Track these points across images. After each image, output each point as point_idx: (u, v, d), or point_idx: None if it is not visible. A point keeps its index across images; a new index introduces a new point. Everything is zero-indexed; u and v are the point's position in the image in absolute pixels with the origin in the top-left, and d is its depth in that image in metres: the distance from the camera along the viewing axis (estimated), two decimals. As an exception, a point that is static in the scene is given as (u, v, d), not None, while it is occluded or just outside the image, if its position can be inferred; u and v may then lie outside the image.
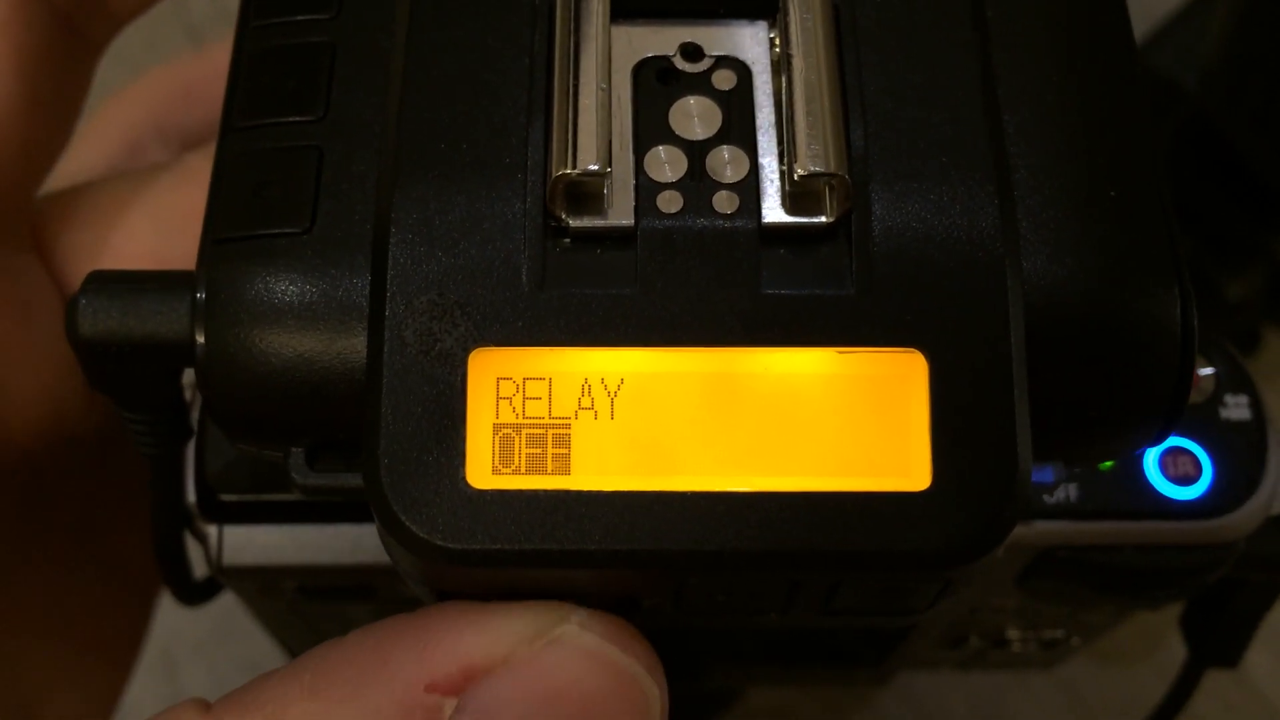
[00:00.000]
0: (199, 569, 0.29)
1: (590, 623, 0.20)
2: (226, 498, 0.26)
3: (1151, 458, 0.27)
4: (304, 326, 0.19)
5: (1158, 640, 0.47)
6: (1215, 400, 0.27)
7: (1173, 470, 0.27)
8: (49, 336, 0.27)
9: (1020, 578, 0.29)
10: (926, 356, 0.19)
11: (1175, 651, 0.47)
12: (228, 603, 0.35)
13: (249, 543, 0.27)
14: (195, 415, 0.26)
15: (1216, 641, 0.33)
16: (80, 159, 0.27)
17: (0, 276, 0.26)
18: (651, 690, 0.20)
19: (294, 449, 0.20)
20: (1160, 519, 0.27)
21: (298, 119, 0.20)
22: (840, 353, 0.19)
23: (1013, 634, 0.34)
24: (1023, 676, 0.47)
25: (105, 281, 0.20)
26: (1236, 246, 0.49)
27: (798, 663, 0.37)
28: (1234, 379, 0.28)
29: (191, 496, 0.26)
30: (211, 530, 0.26)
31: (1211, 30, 0.47)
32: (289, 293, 0.19)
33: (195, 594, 0.29)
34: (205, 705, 0.20)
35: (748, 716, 0.45)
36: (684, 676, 0.38)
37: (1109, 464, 0.27)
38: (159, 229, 0.27)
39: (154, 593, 0.34)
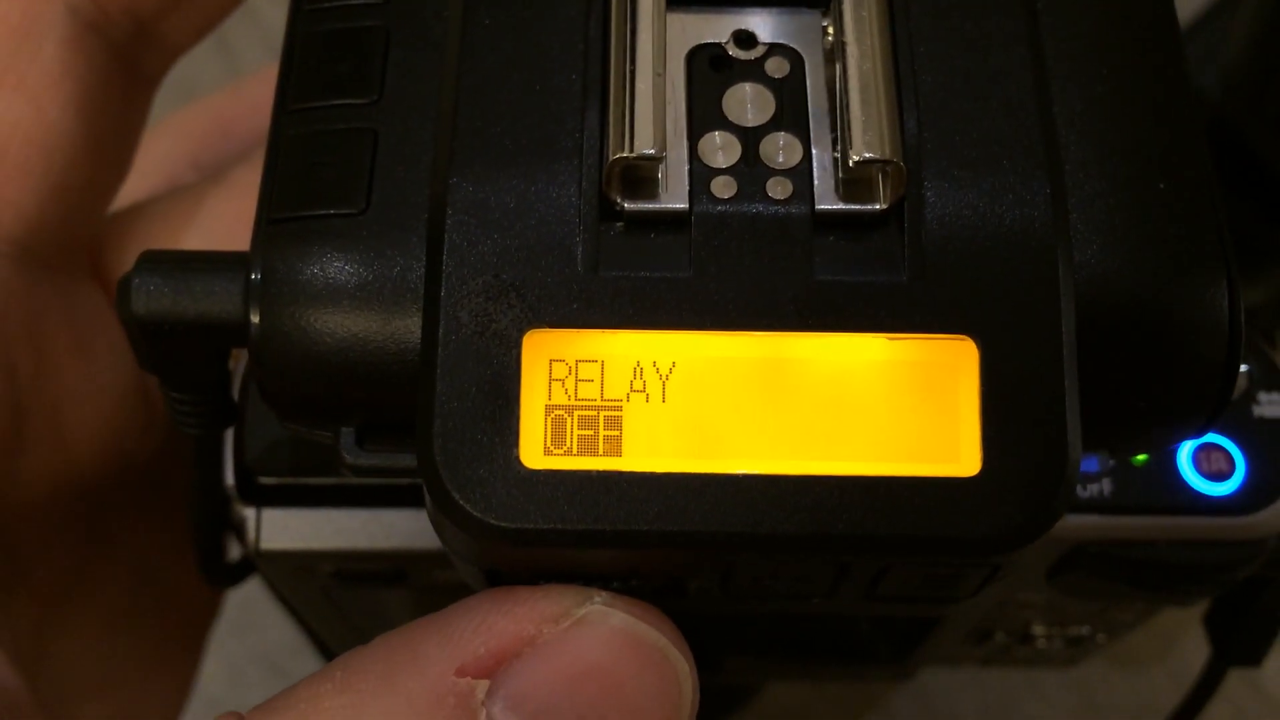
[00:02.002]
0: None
1: (615, 601, 0.20)
2: (265, 481, 0.26)
3: (1185, 454, 0.27)
4: (359, 307, 0.19)
5: (1171, 641, 0.47)
6: (1249, 397, 0.28)
7: (1206, 466, 0.27)
8: (109, 366, 0.27)
9: (1050, 573, 0.29)
10: (978, 343, 0.19)
11: (1189, 653, 0.47)
12: (242, 594, 0.35)
13: (286, 526, 0.27)
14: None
15: (1240, 640, 0.33)
16: (122, 189, 0.28)
17: (63, 308, 0.26)
18: (681, 665, 0.20)
19: (344, 429, 0.20)
20: (1193, 515, 0.27)
21: (352, 101, 0.20)
22: (892, 339, 0.19)
23: (1038, 630, 0.34)
24: (1035, 677, 0.47)
25: (158, 261, 0.20)
26: (1255, 250, 0.49)
27: (820, 658, 0.37)
28: (1268, 376, 0.28)
29: (230, 479, 0.26)
30: (250, 513, 0.27)
31: (1233, 34, 0.47)
32: (344, 273, 0.19)
33: (227, 577, 0.29)
34: (240, 716, 0.20)
35: (762, 716, 0.45)
36: (703, 670, 0.38)
37: (1143, 458, 0.27)
38: (210, 240, 0.27)
39: (207, 628, 0.34)
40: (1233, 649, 0.33)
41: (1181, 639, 0.47)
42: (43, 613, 0.28)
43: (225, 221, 0.28)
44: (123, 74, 0.26)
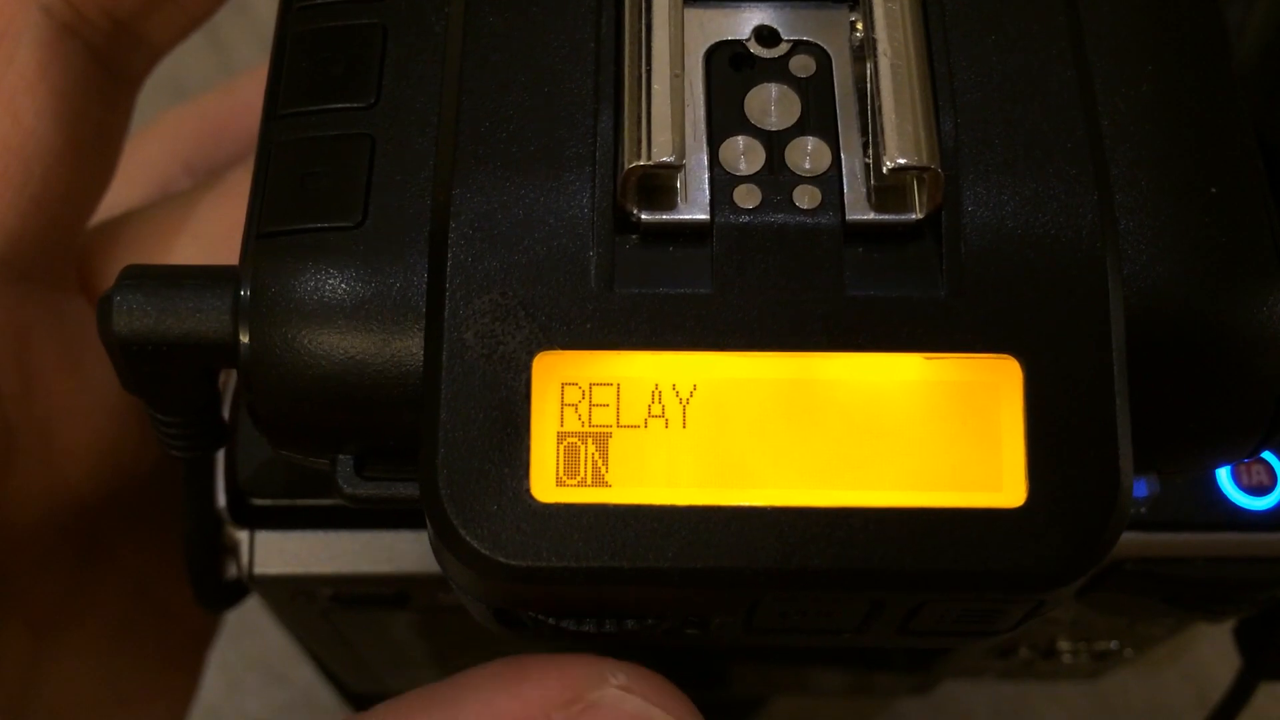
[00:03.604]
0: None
1: (631, 684, 0.19)
2: (259, 502, 0.25)
3: (1224, 467, 0.26)
4: (356, 327, 0.18)
5: (1185, 645, 0.46)
6: (1290, 407, 0.26)
7: (1246, 480, 0.26)
8: (99, 381, 0.26)
9: (1082, 589, 0.27)
10: (1021, 363, 0.18)
11: (1203, 656, 0.46)
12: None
13: (281, 550, 0.25)
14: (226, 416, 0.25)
15: (1272, 654, 0.32)
16: (111, 195, 0.27)
17: (49, 322, 0.25)
18: None
19: (341, 456, 0.19)
20: (1233, 530, 0.26)
21: (347, 105, 0.19)
22: (929, 358, 0.18)
23: (1063, 645, 0.33)
24: (1050, 681, 0.47)
25: (141, 277, 0.19)
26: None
27: (834, 671, 0.36)
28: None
29: (222, 501, 0.25)
30: (243, 536, 0.25)
31: (1249, 30, 0.46)
32: (340, 290, 0.18)
33: (222, 600, 0.28)
34: None
35: (769, 718, 0.44)
36: (710, 685, 0.37)
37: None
38: (204, 248, 0.26)
39: (208, 643, 0.34)
40: (1264, 663, 0.32)
41: (1198, 642, 0.46)
42: (38, 634, 0.28)
43: (219, 229, 0.27)
44: (102, 76, 0.25)
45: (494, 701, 0.18)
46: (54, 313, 0.26)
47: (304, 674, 0.47)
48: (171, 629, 0.32)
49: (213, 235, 0.26)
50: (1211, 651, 0.45)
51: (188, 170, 0.32)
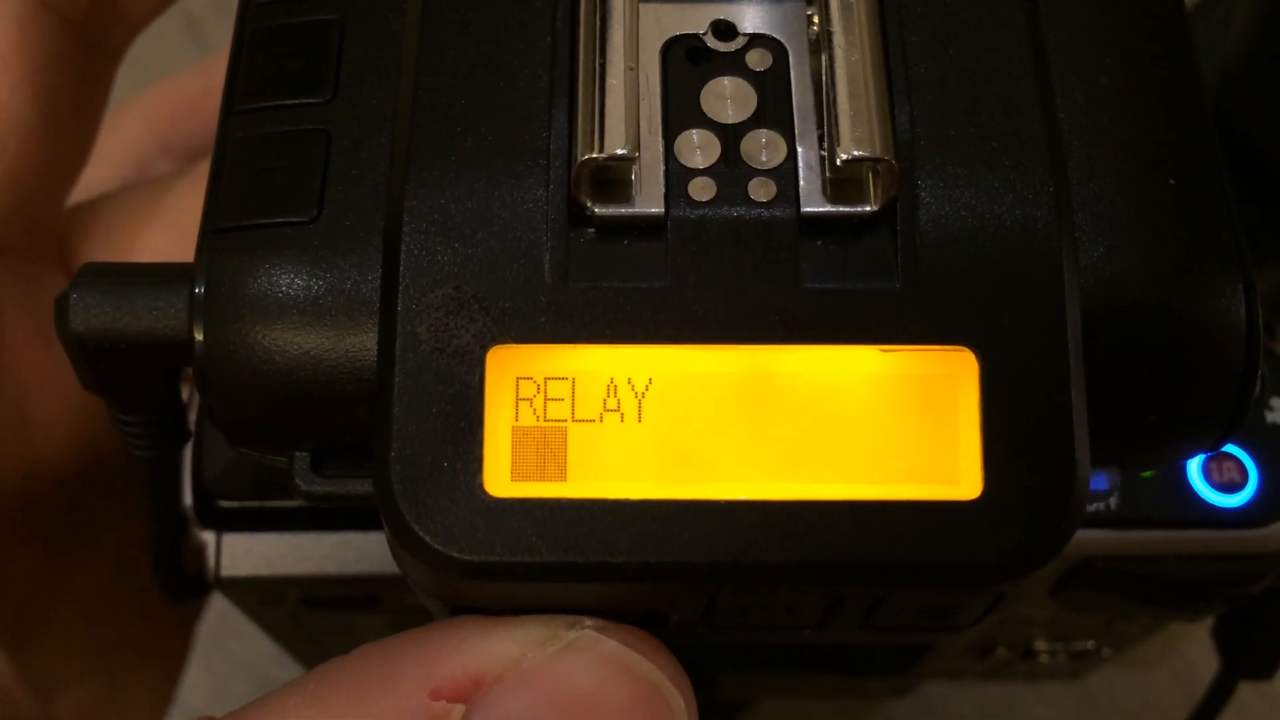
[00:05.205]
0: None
1: (607, 628, 0.18)
2: (225, 504, 0.25)
3: (1195, 464, 0.26)
4: (310, 322, 0.18)
5: (1173, 644, 0.46)
6: (1261, 403, 0.26)
7: (1217, 477, 0.26)
8: None
9: (1055, 588, 0.27)
10: (977, 355, 0.18)
11: (1191, 656, 0.46)
12: (223, 605, 0.34)
13: (249, 552, 0.25)
14: (192, 416, 0.25)
15: (1251, 653, 0.32)
16: (87, 174, 0.27)
17: (24, 296, 0.25)
18: (676, 701, 0.19)
19: (298, 453, 0.19)
20: (1204, 528, 0.26)
21: (304, 101, 0.19)
22: (884, 351, 0.18)
23: (1041, 645, 0.33)
24: (1034, 682, 0.47)
25: (98, 274, 0.19)
26: (1255, 243, 0.48)
27: (816, 674, 0.36)
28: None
29: (188, 502, 0.25)
30: (209, 538, 0.25)
31: (1232, 25, 0.46)
32: (294, 286, 0.18)
33: (186, 592, 0.28)
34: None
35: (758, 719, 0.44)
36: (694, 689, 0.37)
37: (1150, 471, 0.26)
38: (176, 236, 0.26)
39: (196, 617, 0.34)
40: (1243, 662, 0.32)
41: (1184, 640, 0.46)
42: (18, 610, 0.27)
43: (194, 215, 0.26)
44: (80, 51, 0.25)
45: (468, 639, 0.18)
46: (30, 286, 0.26)
47: (289, 677, 0.47)
48: (155, 604, 0.31)
49: (187, 221, 0.26)
50: (1199, 652, 0.45)
51: (164, 149, 0.32)
